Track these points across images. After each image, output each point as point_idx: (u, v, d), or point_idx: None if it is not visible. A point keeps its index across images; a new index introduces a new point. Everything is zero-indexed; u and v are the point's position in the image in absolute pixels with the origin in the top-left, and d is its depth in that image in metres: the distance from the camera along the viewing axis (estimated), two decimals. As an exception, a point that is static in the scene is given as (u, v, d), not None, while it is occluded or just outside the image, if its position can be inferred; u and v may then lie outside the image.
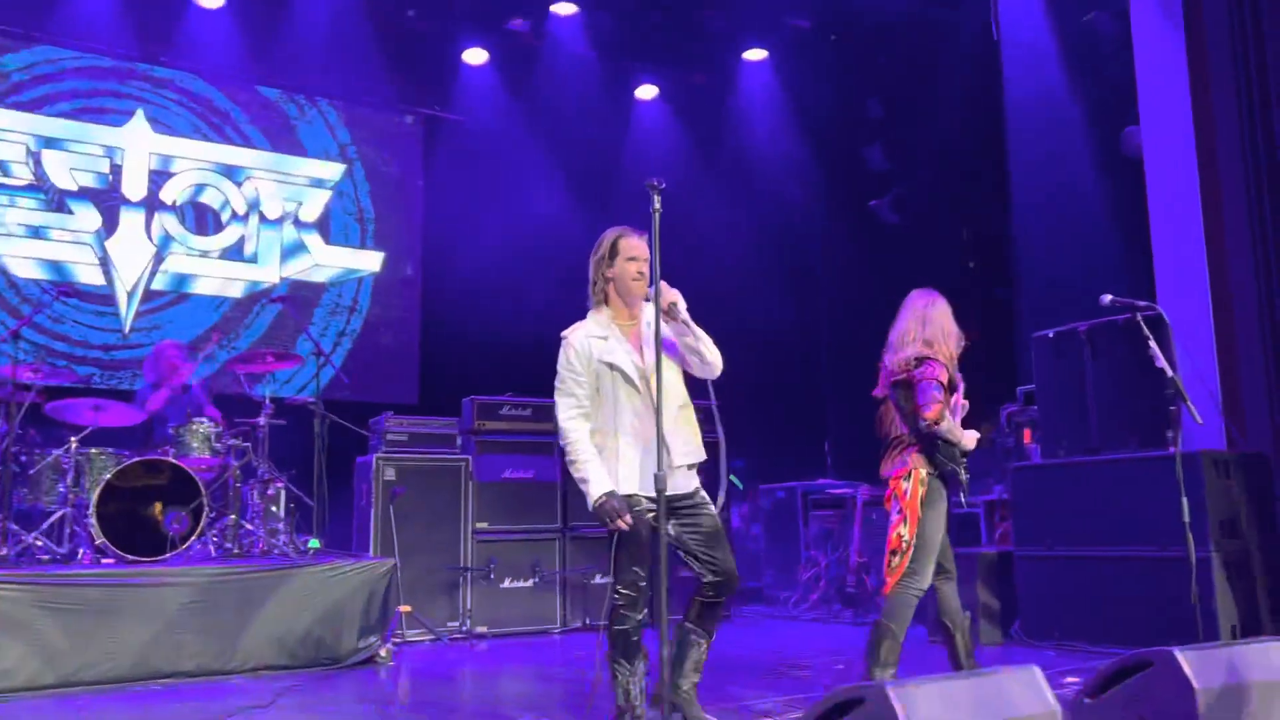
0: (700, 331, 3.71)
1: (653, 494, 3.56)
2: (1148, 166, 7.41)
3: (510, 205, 10.28)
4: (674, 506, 3.65)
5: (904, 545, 4.31)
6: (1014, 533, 6.61)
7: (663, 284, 3.56)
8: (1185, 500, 4.35)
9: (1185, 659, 3.15)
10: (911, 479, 4.34)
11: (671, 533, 3.72)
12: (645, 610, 3.67)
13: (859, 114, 11.09)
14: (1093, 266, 8.35)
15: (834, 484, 9.50)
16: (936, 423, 4.25)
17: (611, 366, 3.64)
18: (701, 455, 3.76)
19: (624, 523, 3.49)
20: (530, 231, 10.27)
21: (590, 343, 3.66)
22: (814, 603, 8.56)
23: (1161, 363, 4.35)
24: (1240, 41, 6.98)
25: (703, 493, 3.75)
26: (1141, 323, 4.50)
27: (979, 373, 10.46)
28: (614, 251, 3.72)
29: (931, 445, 4.35)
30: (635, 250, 3.72)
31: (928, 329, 4.41)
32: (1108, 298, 4.53)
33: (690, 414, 3.79)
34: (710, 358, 3.72)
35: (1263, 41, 6.89)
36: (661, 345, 3.53)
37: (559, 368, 3.69)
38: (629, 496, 3.58)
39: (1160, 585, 5.64)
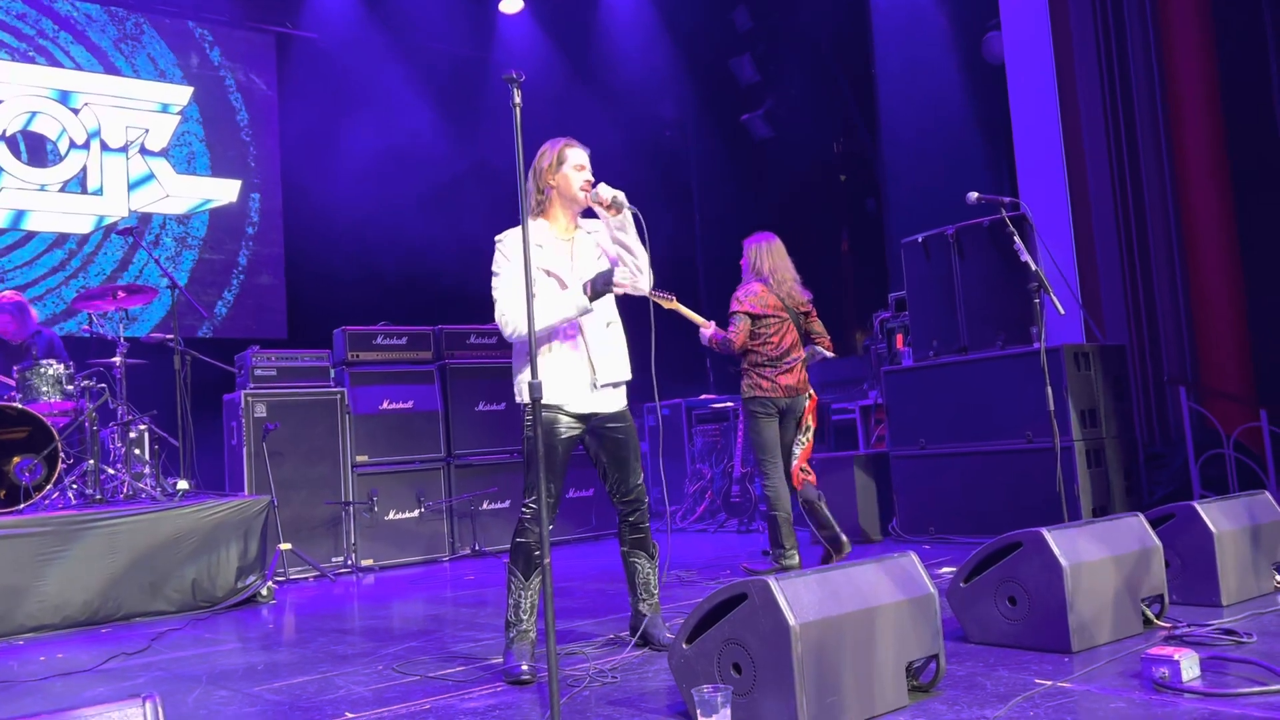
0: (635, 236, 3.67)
1: (576, 409, 3.55)
2: (1009, 71, 7.55)
3: (373, 127, 9.89)
4: (596, 424, 3.63)
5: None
6: (889, 434, 6.79)
7: (604, 185, 3.56)
8: (1050, 392, 4.50)
9: (1052, 538, 3.27)
10: None
11: (589, 449, 3.69)
12: (551, 526, 3.61)
13: (728, 25, 10.99)
14: (958, 172, 8.52)
15: (716, 398, 9.61)
16: None
17: (548, 273, 3.54)
18: (627, 375, 3.69)
19: (620, 275, 3.53)
20: (395, 153, 9.92)
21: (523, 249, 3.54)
22: (700, 514, 8.71)
23: (1026, 256, 4.46)
24: (1093, -55, 7.12)
25: (627, 413, 3.70)
26: (1007, 219, 4.59)
27: (852, 282, 10.73)
28: (560, 160, 3.61)
29: None
30: (583, 160, 3.65)
31: None
32: (974, 195, 4.60)
33: (618, 331, 3.72)
34: (643, 263, 3.65)
35: (1114, -56, 7.04)
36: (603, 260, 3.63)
37: (495, 266, 3.55)
38: (552, 407, 3.49)
39: (1028, 476, 5.89)
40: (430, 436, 7.49)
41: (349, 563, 6.93)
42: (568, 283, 3.57)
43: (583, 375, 3.57)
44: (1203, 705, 2.58)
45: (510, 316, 3.47)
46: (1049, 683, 2.88)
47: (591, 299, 3.49)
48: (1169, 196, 6.87)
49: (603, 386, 3.60)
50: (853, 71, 10.25)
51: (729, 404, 9.02)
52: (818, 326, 5.52)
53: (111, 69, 9.00)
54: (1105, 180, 7.05)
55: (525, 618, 3.51)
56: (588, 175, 3.64)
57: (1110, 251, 7.03)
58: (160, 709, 1.61)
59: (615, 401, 3.67)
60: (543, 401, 3.45)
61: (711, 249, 11.67)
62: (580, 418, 3.58)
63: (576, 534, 7.86)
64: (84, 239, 8.71)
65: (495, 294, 3.54)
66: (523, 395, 3.55)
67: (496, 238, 3.61)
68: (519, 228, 3.58)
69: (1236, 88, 6.64)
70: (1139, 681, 2.83)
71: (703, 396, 9.82)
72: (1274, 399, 6.18)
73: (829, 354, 5.51)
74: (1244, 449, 6.06)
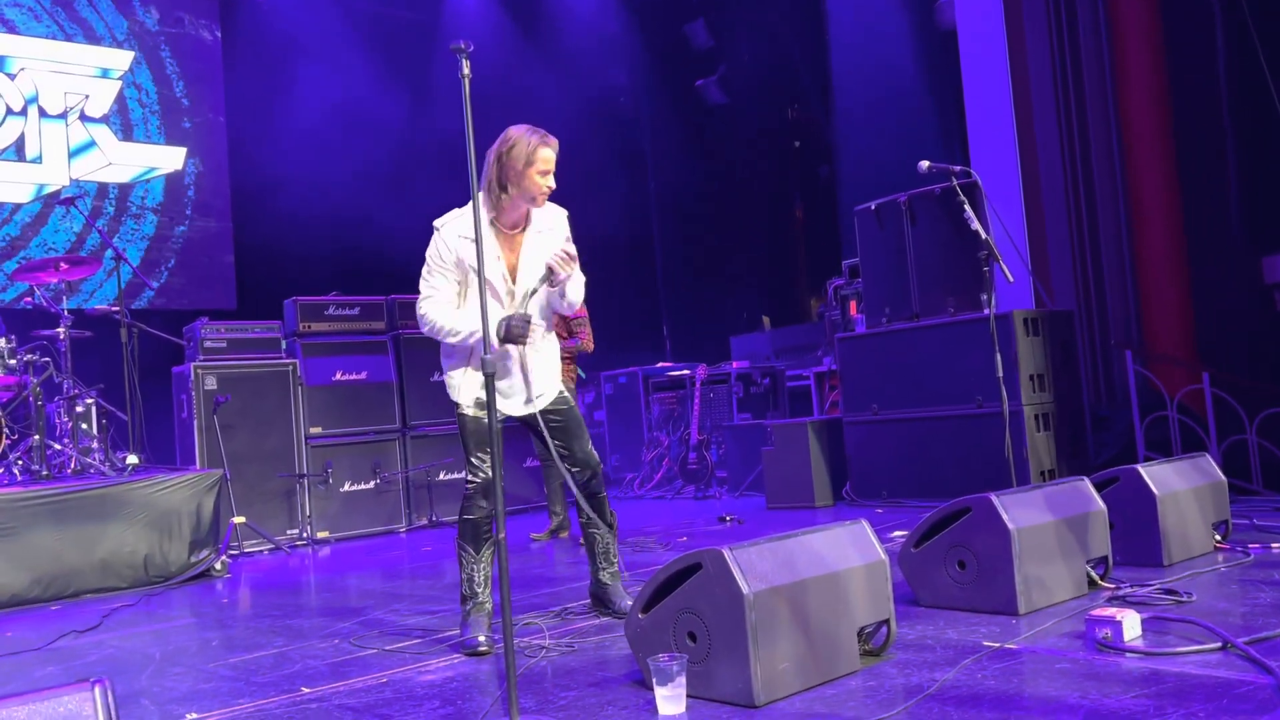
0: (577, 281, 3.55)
1: (512, 413, 3.53)
2: (961, 38, 7.57)
3: (321, 92, 9.70)
4: (534, 419, 3.57)
5: None
6: (843, 400, 6.86)
7: (575, 266, 3.47)
8: (999, 357, 4.56)
9: (1000, 503, 3.34)
10: None
11: (533, 424, 3.64)
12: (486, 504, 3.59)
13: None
14: (911, 139, 8.56)
15: (673, 366, 9.64)
16: None
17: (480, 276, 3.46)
18: (558, 386, 3.64)
19: (534, 327, 3.41)
20: (344, 119, 9.76)
21: (461, 244, 3.41)
22: (658, 481, 8.75)
23: (976, 225, 4.49)
24: (1044, -89, 7.13)
25: (563, 390, 3.67)
26: (957, 187, 4.62)
27: (805, 250, 10.78)
28: (529, 160, 3.42)
29: None
30: (550, 164, 3.48)
31: None
32: (925, 164, 4.62)
33: (553, 340, 3.69)
34: (575, 299, 3.58)
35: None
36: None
37: (428, 255, 3.49)
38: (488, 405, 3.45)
39: (978, 440, 5.99)
40: (385, 407, 7.44)
41: (304, 535, 6.89)
42: (499, 289, 3.45)
43: (518, 390, 3.54)
44: (1144, 664, 2.65)
45: (431, 316, 3.44)
46: (996, 645, 2.95)
47: (500, 343, 3.36)
48: (1117, 165, 6.95)
49: (537, 396, 3.55)
50: (806, 37, 10.23)
51: (686, 372, 9.05)
52: None
53: (48, 32, 8.73)
54: (1055, 148, 7.12)
55: (480, 590, 3.51)
56: (551, 183, 3.49)
57: (1059, 219, 7.12)
58: (110, 694, 1.59)
59: (549, 399, 3.61)
60: (480, 399, 3.43)
61: (666, 215, 11.64)
62: (517, 418, 3.59)
63: (531, 504, 7.86)
64: (23, 210, 8.47)
65: (422, 285, 3.48)
66: (456, 395, 3.53)
67: (436, 223, 3.49)
68: (459, 212, 3.47)
69: (1182, 60, 6.71)
70: (1083, 642, 2.90)
71: (660, 365, 9.84)
72: (1215, 362, 6.32)
73: None
74: (1187, 410, 6.20)
